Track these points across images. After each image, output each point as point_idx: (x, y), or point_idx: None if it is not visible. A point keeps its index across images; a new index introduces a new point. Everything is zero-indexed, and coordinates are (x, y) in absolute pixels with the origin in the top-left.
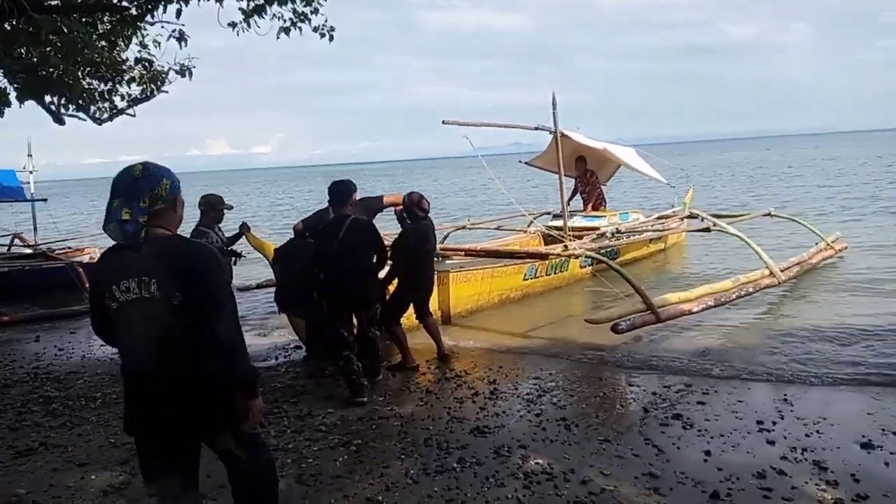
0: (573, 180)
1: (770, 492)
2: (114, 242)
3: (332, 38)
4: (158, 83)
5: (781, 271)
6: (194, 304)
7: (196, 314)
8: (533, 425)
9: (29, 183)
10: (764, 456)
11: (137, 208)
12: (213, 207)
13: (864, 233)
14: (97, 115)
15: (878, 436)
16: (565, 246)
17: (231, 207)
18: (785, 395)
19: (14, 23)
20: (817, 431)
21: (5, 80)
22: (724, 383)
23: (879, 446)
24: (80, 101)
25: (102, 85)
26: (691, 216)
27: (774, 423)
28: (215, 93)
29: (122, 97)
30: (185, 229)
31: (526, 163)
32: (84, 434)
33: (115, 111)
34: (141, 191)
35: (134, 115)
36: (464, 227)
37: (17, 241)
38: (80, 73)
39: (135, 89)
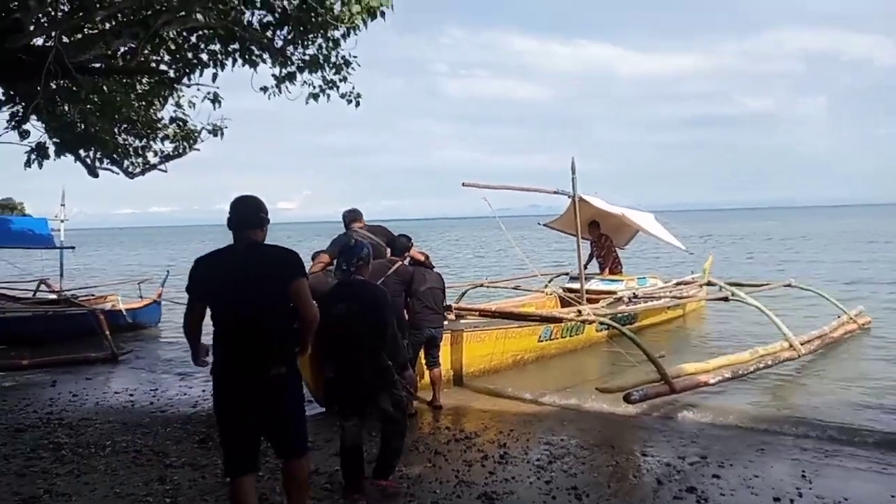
0: (589, 244)
1: None
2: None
3: (358, 104)
4: (191, 141)
5: (802, 344)
6: (379, 321)
7: (379, 325)
8: (542, 493)
9: (59, 231)
10: None
11: (351, 263)
12: None
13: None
14: (130, 170)
15: None
16: (578, 311)
17: None
18: (803, 471)
19: (57, 82)
20: None
21: (45, 135)
22: (741, 456)
23: None
24: (115, 156)
25: (137, 141)
26: (710, 283)
27: (792, 501)
28: (245, 151)
29: (156, 153)
30: None
31: (544, 224)
32: (90, 483)
33: (147, 166)
34: (352, 254)
35: (166, 171)
36: (481, 286)
37: (42, 286)
38: (115, 130)
39: (168, 146)
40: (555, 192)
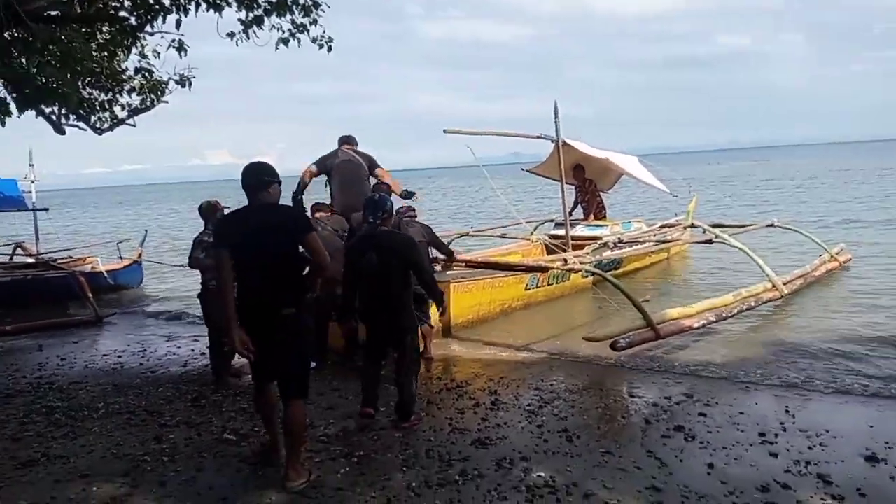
0: (573, 189)
1: None
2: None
3: (330, 48)
4: (158, 93)
5: (784, 284)
6: (409, 265)
7: (409, 269)
8: (535, 437)
9: (30, 192)
10: (767, 469)
11: (377, 217)
12: (212, 212)
13: (872, 243)
14: (97, 125)
15: (882, 449)
16: (564, 260)
17: (228, 208)
18: (787, 406)
19: (11, 32)
20: (821, 444)
21: (4, 91)
22: (726, 394)
23: (884, 460)
24: (80, 111)
25: (102, 95)
26: (693, 226)
27: (777, 435)
28: (215, 103)
29: (123, 107)
30: (188, 238)
31: (527, 170)
32: (87, 445)
33: (115, 121)
34: (377, 208)
35: (134, 125)
36: (467, 234)
37: (19, 250)
38: (79, 83)
39: (135, 99)
40: (538, 137)
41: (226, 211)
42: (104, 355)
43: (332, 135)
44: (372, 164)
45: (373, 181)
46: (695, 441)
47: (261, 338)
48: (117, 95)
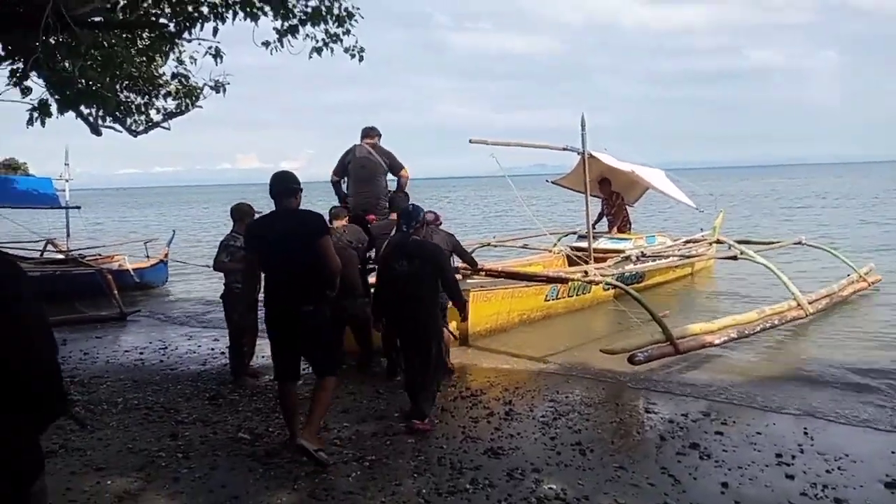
0: (599, 202)
1: None
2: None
3: (361, 58)
4: (193, 98)
5: (810, 303)
6: (436, 271)
7: (436, 276)
8: (548, 448)
9: (64, 191)
10: (783, 490)
11: (410, 226)
12: (245, 215)
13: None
14: (133, 128)
15: None
16: (585, 272)
17: (261, 213)
18: (805, 428)
19: (57, 37)
20: (839, 468)
21: (47, 92)
22: (743, 413)
23: None
24: (117, 114)
25: (139, 98)
26: (719, 242)
27: (794, 457)
28: (247, 109)
29: (158, 111)
30: (214, 240)
31: (552, 182)
32: (104, 438)
33: (150, 124)
34: (411, 218)
35: (168, 129)
36: (489, 244)
37: (49, 246)
38: (117, 87)
39: (170, 103)
40: (564, 149)
41: (256, 215)
42: (126, 351)
43: (355, 142)
44: (393, 165)
45: (391, 186)
46: (710, 459)
47: (285, 336)
48: (154, 99)
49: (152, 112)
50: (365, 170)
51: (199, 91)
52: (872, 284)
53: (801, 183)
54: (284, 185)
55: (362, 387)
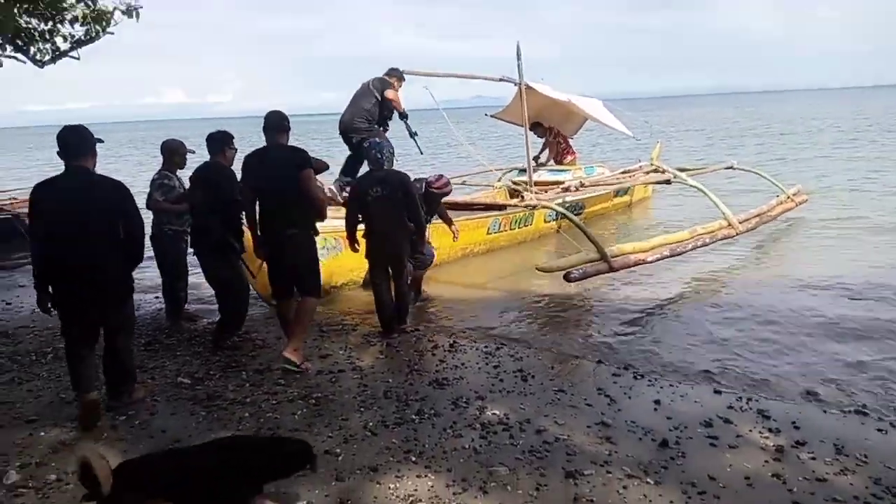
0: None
1: (717, 440)
2: None
3: None
4: (104, 24)
5: (740, 222)
6: (406, 197)
7: (403, 205)
8: (491, 377)
9: None
10: (711, 405)
11: (383, 153)
12: (175, 153)
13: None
14: (38, 57)
15: (821, 386)
16: (522, 197)
17: (193, 152)
18: (736, 351)
19: None
20: (765, 379)
21: None
22: (674, 331)
23: (819, 394)
24: (19, 42)
25: (42, 24)
26: (656, 171)
27: (722, 373)
28: (170, 38)
29: (65, 38)
30: (146, 176)
31: (492, 116)
32: (34, 390)
33: (57, 53)
34: (375, 150)
35: (78, 58)
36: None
37: None
38: (15, 10)
39: (78, 30)
40: (500, 80)
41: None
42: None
43: (291, 73)
44: (384, 86)
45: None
46: (643, 379)
47: (275, 256)
48: (58, 25)
49: (58, 40)
50: (358, 93)
51: (109, 15)
52: (800, 204)
53: (750, 111)
54: (279, 122)
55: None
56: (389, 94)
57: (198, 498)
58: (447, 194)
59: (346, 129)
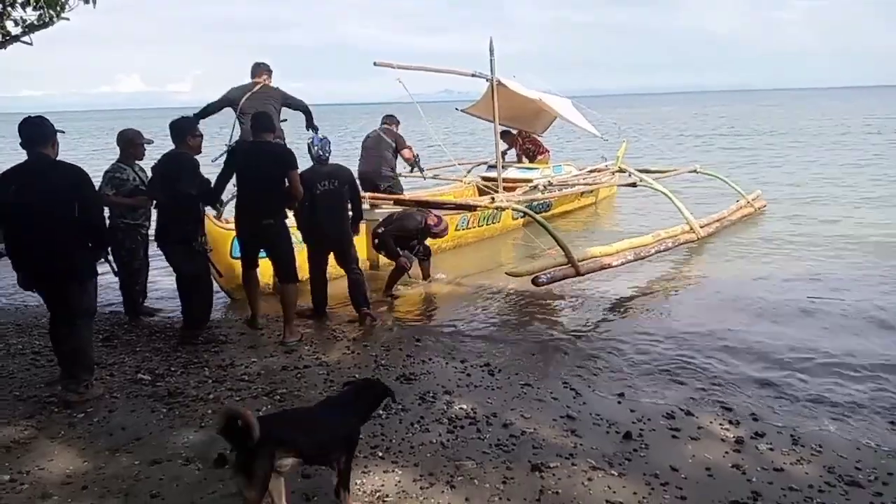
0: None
1: (678, 431)
2: None
3: None
4: (57, 8)
5: (701, 227)
6: (351, 189)
7: (349, 197)
8: (458, 371)
9: None
10: (673, 398)
11: (327, 149)
12: (130, 143)
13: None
14: None
15: (778, 379)
16: (492, 198)
17: (151, 142)
18: (696, 345)
19: None
20: (725, 371)
21: None
22: (638, 325)
23: (777, 385)
24: None
25: None
26: (621, 171)
27: (684, 368)
28: (126, 24)
29: (16, 22)
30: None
31: (462, 110)
32: None
33: (8, 38)
34: (327, 147)
35: (31, 44)
36: (399, 175)
37: None
38: None
39: (30, 14)
40: (472, 75)
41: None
42: (10, 293)
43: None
44: (398, 143)
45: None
46: (607, 371)
47: (250, 241)
48: (9, 8)
49: (9, 24)
50: (369, 142)
51: (63, 0)
52: (759, 210)
53: (717, 110)
54: (267, 124)
55: (269, 322)
56: (406, 153)
57: (324, 449)
58: (442, 237)
59: (374, 178)
